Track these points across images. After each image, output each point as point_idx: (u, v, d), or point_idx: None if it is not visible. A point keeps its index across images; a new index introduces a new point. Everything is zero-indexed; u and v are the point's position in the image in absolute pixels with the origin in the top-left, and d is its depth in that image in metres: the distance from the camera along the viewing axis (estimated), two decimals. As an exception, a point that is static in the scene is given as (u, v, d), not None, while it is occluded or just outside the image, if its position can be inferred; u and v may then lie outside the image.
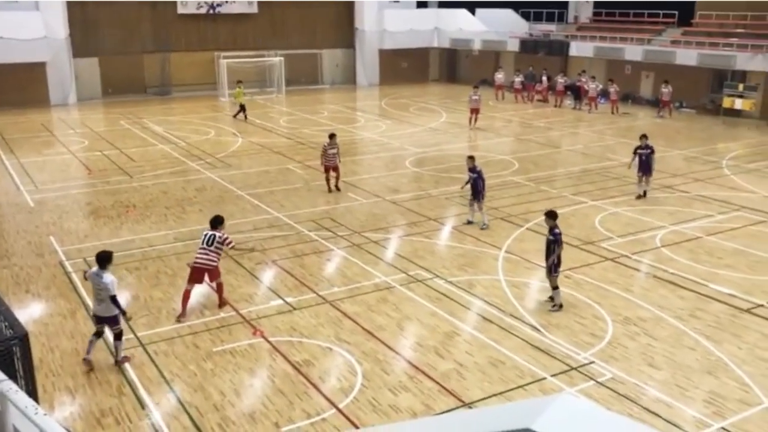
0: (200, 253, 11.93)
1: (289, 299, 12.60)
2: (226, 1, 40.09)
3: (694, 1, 36.80)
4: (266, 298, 12.70)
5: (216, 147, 25.97)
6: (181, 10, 39.26)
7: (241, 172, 22.20)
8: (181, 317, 11.79)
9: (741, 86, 31.46)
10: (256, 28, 41.47)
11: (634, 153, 18.96)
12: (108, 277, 10.10)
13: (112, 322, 10.27)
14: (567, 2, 44.13)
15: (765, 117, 31.13)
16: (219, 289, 12.27)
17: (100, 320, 10.35)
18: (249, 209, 18.10)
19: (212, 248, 11.89)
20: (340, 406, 9.29)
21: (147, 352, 10.75)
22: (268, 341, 11.06)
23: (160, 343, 11.02)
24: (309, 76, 43.29)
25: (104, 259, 10.32)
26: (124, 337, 10.48)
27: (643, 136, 18.99)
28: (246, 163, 23.41)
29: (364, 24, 43.74)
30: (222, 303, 12.25)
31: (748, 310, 12.18)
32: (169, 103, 37.40)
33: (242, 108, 31.64)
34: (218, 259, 12.00)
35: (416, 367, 10.27)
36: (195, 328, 11.51)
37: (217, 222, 12.24)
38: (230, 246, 12.15)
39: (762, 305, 12.36)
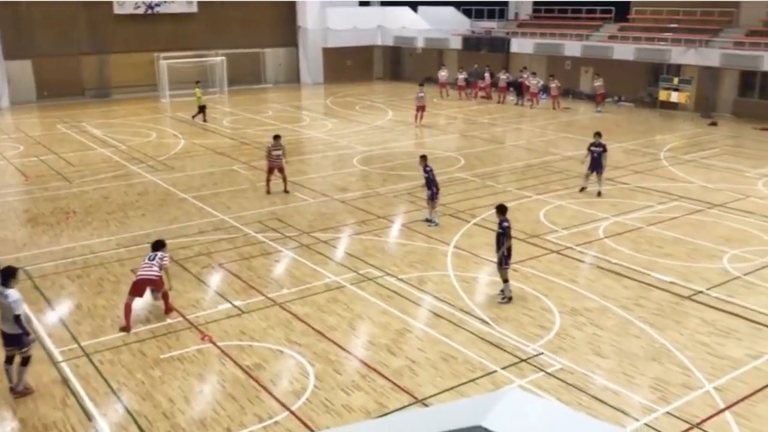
0: (145, 267, 11.81)
1: (237, 303, 12.43)
2: (165, 1, 39.33)
3: (630, -2, 37.82)
4: (214, 303, 12.50)
5: (158, 149, 25.44)
6: (117, 10, 38.33)
7: (185, 174, 21.81)
8: (126, 329, 11.46)
9: (676, 80, 32.44)
10: (196, 27, 40.81)
11: (588, 150, 19.00)
12: (13, 294, 9.36)
13: (18, 342, 9.49)
14: (507, 0, 44.77)
15: (699, 109, 32.17)
16: (165, 297, 12.05)
17: (8, 341, 9.54)
18: (193, 212, 17.79)
19: (155, 262, 11.81)
20: (293, 408, 9.21)
21: (92, 362, 10.45)
22: (217, 346, 10.89)
23: (105, 353, 10.74)
24: (252, 75, 42.82)
25: (8, 275, 9.55)
26: (29, 365, 9.67)
27: (597, 134, 18.90)
28: (189, 165, 23.00)
29: (306, 22, 43.52)
30: (168, 310, 12.01)
31: (688, 297, 12.56)
32: (109, 105, 36.48)
33: (202, 109, 30.97)
34: (161, 272, 11.83)
35: (369, 366, 10.26)
36: (141, 336, 11.25)
37: (159, 245, 12.16)
38: (163, 263, 11.86)
39: (701, 292, 12.76)
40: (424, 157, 16.85)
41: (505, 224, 12.29)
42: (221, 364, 10.37)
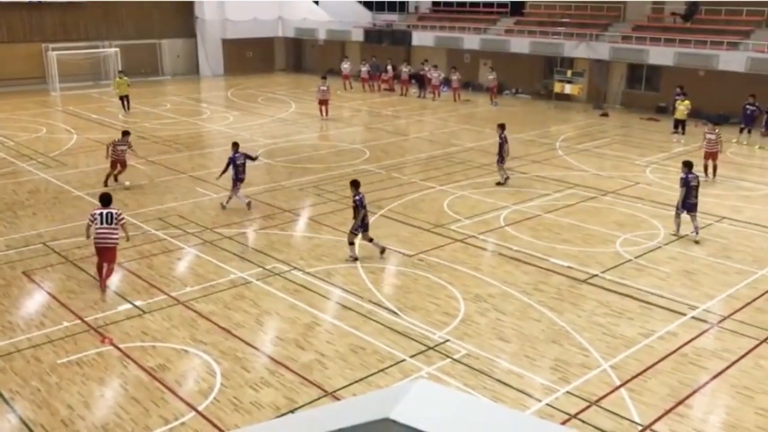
0: (104, 231, 12.23)
1: (138, 303, 12.02)
2: (52, -11, 37.41)
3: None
4: (113, 303, 12.03)
5: (49, 145, 24.21)
6: (-1, -3, 36.16)
7: (78, 170, 20.85)
8: (103, 287, 12.34)
9: (569, 72, 33.75)
10: (87, 17, 39.03)
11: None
12: None
13: None
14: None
15: (591, 101, 33.63)
16: (109, 272, 12.48)
17: None
18: (89, 210, 16.91)
19: (114, 226, 12.30)
20: (200, 408, 9.01)
21: (-20, 372, 9.86)
22: (118, 348, 10.51)
23: (-4, 361, 10.15)
24: (148, 67, 41.38)
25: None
26: None
27: (499, 126, 19.39)
28: (83, 161, 22.01)
29: (204, 13, 42.47)
30: (104, 286, 12.41)
31: (584, 281, 13.14)
32: (-8, 99, 34.37)
33: (125, 99, 30.28)
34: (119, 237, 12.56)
35: (277, 362, 10.17)
36: (35, 341, 10.71)
37: (109, 199, 12.65)
38: (122, 222, 12.54)
39: (597, 275, 13.38)
40: (235, 144, 17.41)
41: (357, 198, 13.61)
42: (123, 367, 10.02)
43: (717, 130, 20.19)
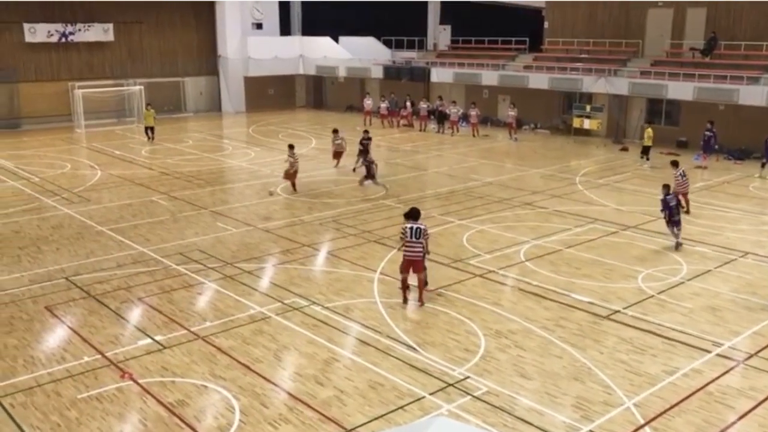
0: (413, 246, 13.11)
1: (158, 338, 12.06)
2: (80, 30, 38.35)
3: (543, 29, 39.32)
4: (134, 338, 12.09)
5: (73, 181, 24.60)
6: (29, 38, 37.12)
7: (102, 206, 21.14)
8: (405, 303, 13.36)
9: (588, 107, 33.79)
10: (113, 56, 39.99)
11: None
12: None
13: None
14: (426, 30, 45.83)
15: (610, 135, 33.59)
16: (421, 284, 13.36)
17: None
18: (111, 245, 17.22)
19: (419, 240, 13.10)
20: (218, 444, 8.97)
21: (2, 406, 9.90)
22: (138, 383, 10.52)
23: (17, 395, 10.20)
24: (172, 104, 42.11)
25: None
26: None
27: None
28: (106, 197, 22.32)
29: (227, 51, 43.29)
30: (421, 299, 13.34)
31: (606, 317, 12.98)
32: (19, 136, 35.07)
33: (150, 130, 32.47)
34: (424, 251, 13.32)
35: (296, 398, 10.11)
36: (56, 375, 10.76)
37: (417, 214, 13.46)
38: (427, 237, 13.31)
39: (618, 311, 13.21)
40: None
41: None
42: (142, 402, 10.02)
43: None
